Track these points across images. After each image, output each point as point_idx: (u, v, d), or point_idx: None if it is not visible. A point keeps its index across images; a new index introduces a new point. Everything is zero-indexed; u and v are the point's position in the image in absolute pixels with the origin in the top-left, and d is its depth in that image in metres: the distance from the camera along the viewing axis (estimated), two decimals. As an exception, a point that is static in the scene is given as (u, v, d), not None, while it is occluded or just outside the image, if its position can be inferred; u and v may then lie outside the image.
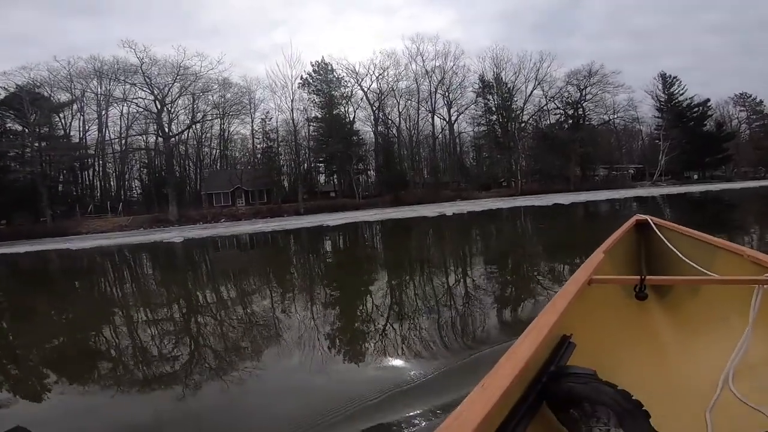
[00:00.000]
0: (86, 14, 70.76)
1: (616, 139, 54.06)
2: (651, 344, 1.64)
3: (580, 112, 49.81)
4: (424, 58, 47.34)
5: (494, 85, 49.34)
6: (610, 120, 51.32)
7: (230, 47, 78.58)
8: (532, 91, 49.27)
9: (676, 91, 51.95)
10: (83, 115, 41.37)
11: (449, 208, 26.00)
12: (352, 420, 2.13)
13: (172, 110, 41.42)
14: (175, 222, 35.55)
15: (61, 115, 40.62)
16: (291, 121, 42.21)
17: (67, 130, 40.96)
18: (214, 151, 48.46)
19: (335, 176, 46.81)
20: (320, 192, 45.30)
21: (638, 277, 1.50)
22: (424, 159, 49.48)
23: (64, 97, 39.67)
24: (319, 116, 45.71)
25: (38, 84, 37.30)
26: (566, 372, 0.97)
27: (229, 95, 42.67)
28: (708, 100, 51.71)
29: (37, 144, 36.80)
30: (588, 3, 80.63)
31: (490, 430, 0.77)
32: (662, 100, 52.41)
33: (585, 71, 47.91)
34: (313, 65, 46.72)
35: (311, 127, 46.14)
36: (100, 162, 42.98)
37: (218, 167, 47.64)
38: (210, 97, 41.60)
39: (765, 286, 1.28)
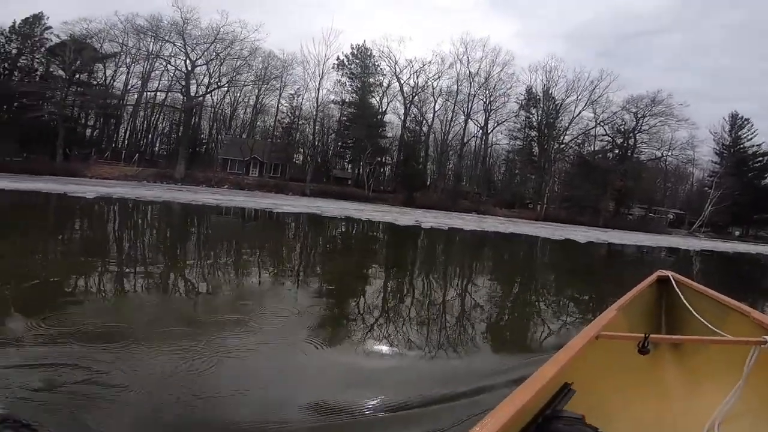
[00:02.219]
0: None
1: (662, 179, 49.74)
2: (648, 395, 1.71)
3: (631, 143, 45.67)
4: (469, 59, 44.79)
5: (541, 99, 46.14)
6: (662, 156, 46.76)
7: (283, 25, 77.07)
8: (580, 112, 45.71)
9: (744, 135, 47.15)
10: (127, 67, 41.52)
11: (445, 219, 23.23)
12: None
13: (203, 73, 40.55)
14: (179, 180, 34.48)
15: (104, 66, 41.03)
16: (316, 99, 40.31)
17: (109, 81, 41.39)
18: (246, 120, 47.68)
19: (350, 165, 44.84)
20: (335, 178, 43.41)
21: (642, 335, 1.55)
22: (450, 164, 46.78)
23: (110, 48, 40.08)
24: (349, 100, 44.06)
25: (91, 35, 38.05)
26: (558, 415, 1.07)
27: (259, 64, 41.29)
28: None
29: (68, 87, 37.08)
30: (666, 35, 75.24)
31: None
32: (725, 143, 47.65)
33: (648, 98, 43.49)
34: (352, 48, 45.34)
35: (339, 111, 44.57)
36: (128, 114, 42.61)
37: (244, 136, 46.52)
38: (234, 62, 40.38)
39: (762, 346, 1.41)
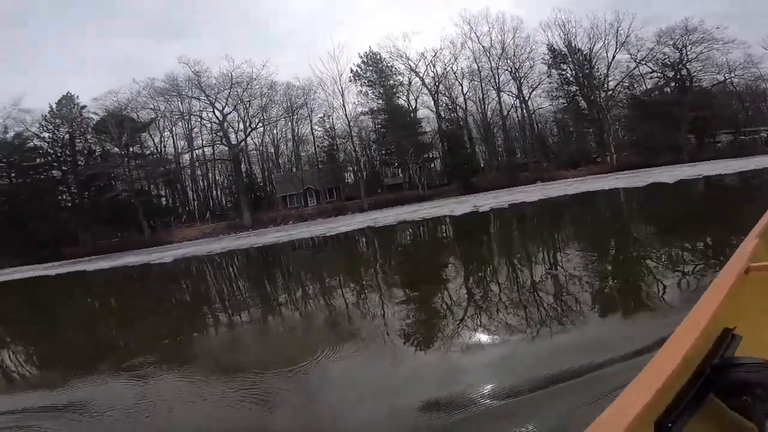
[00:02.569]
0: (167, 38, 77.08)
1: (738, 100, 43.90)
2: None
3: (684, 74, 41.39)
4: (478, 35, 43.07)
5: (567, 54, 43.29)
6: (726, 80, 41.72)
7: (295, 54, 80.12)
8: (614, 56, 42.34)
9: None
10: (169, 131, 44.51)
11: (506, 197, 21.67)
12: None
13: (236, 119, 42.80)
14: (248, 227, 36.58)
15: (149, 134, 44.01)
16: (344, 116, 40.95)
17: (159, 148, 44.44)
18: (290, 153, 49.00)
19: (399, 169, 44.77)
20: (388, 186, 43.59)
21: None
22: (497, 141, 45.09)
23: (146, 115, 42.56)
24: (376, 108, 44.07)
25: (122, 106, 40.73)
26: (733, 363, 0.91)
27: (282, 97, 42.89)
28: None
29: (128, 162, 40.26)
30: None
31: (651, 419, 0.76)
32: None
33: (680, 29, 39.79)
34: (361, 56, 45.32)
35: (372, 120, 44.93)
36: (187, 175, 45.83)
37: (293, 170, 48.57)
38: (259, 101, 41.73)
39: None
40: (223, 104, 41.38)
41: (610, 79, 43.20)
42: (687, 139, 39.12)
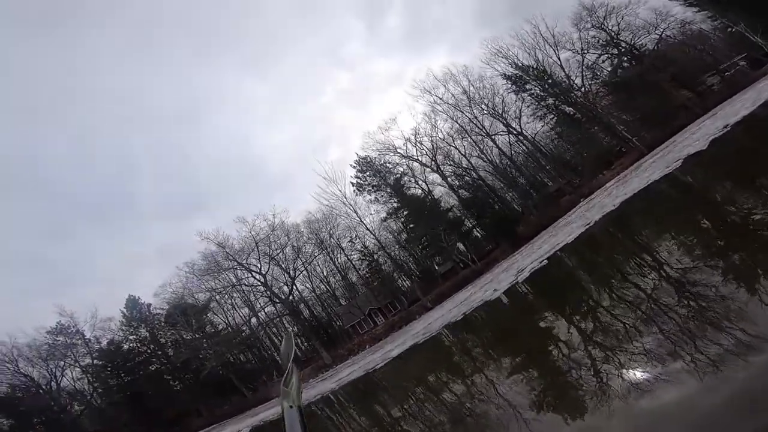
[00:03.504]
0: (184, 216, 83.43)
1: (691, 47, 45.20)
2: None
3: (625, 46, 43.49)
4: (439, 95, 45.95)
5: (521, 74, 45.66)
6: (662, 36, 43.85)
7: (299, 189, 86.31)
8: (559, 56, 44.78)
9: None
10: (231, 303, 46.13)
11: (563, 232, 20.18)
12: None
13: (278, 273, 43.81)
14: (331, 364, 35.01)
15: (210, 312, 45.93)
16: (367, 230, 41.77)
17: (228, 320, 46.31)
18: (340, 284, 49.05)
19: (442, 256, 43.68)
20: (441, 275, 41.92)
21: None
22: (520, 182, 45.15)
23: (201, 296, 44.48)
24: (392, 209, 44.65)
25: (180, 296, 43.00)
26: None
27: (309, 235, 44.52)
28: None
29: (206, 341, 41.92)
30: None
31: None
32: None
33: (583, 11, 43.09)
34: (353, 166, 46.49)
35: (396, 221, 45.33)
36: (260, 335, 45.55)
37: (351, 298, 47.75)
38: (288, 247, 43.30)
39: None
40: (259, 265, 42.66)
41: (572, 77, 44.88)
42: (683, 94, 38.91)
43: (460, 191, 43.73)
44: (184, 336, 43.23)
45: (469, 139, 44.76)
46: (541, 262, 15.08)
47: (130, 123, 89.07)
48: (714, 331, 3.53)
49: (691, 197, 10.08)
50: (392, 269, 42.49)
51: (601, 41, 44.32)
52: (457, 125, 44.94)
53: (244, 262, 41.92)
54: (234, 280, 42.54)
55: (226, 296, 44.68)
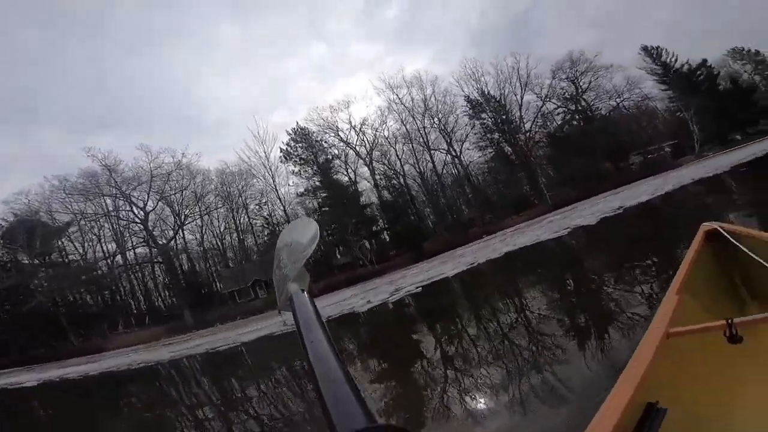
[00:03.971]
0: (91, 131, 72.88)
1: (635, 122, 49.32)
2: (756, 400, 1.34)
3: (584, 105, 45.93)
4: (399, 95, 45.36)
5: (483, 102, 46.37)
6: (618, 104, 47.05)
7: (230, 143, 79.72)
8: (523, 97, 45.93)
9: (667, 59, 47.90)
10: (96, 234, 39.95)
11: (439, 268, 20.31)
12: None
13: (166, 214, 39.58)
14: (190, 328, 32.25)
15: (69, 238, 39.46)
16: (279, 200, 39.36)
17: (82, 252, 39.50)
18: (235, 246, 46.01)
19: (344, 248, 42.94)
20: (339, 266, 41.08)
21: (723, 321, 1.23)
22: (441, 201, 45.45)
23: (62, 217, 38.27)
24: (312, 187, 43.29)
25: (35, 210, 36.57)
26: None
27: (217, 187, 40.93)
28: (705, 60, 47.40)
29: (44, 271, 35.73)
30: (540, 7, 78.21)
31: None
32: (659, 72, 48.27)
33: (567, 61, 44.82)
34: (290, 134, 45.16)
35: (316, 200, 43.72)
36: (118, 277, 40.72)
37: (242, 263, 45.04)
38: (187, 193, 39.48)
39: None
40: (145, 200, 38.23)
41: (525, 120, 46.22)
42: (605, 166, 42.05)
43: (383, 192, 43.38)
44: (20, 258, 36.71)
45: (410, 145, 44.47)
46: (416, 288, 14.73)
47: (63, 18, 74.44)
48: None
49: (560, 263, 10.75)
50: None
51: (566, 94, 46.25)
52: (405, 129, 44.62)
53: (129, 192, 37.01)
54: (109, 209, 37.33)
55: (94, 225, 39.22)
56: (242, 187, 41.85)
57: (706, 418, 1.18)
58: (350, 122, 45.06)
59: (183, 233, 41.07)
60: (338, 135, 44.38)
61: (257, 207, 41.97)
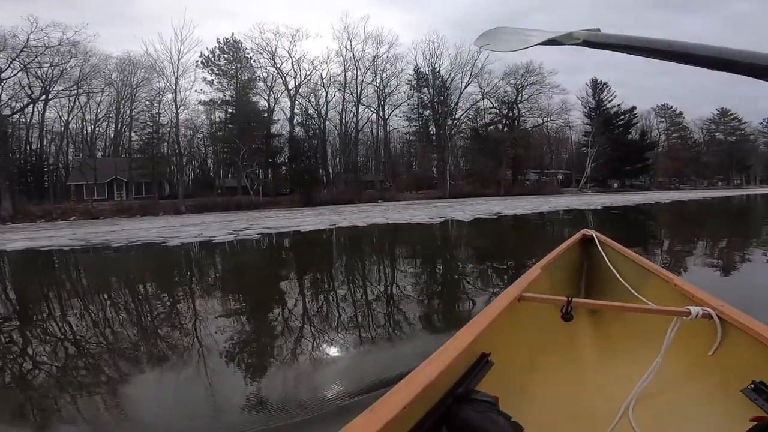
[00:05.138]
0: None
1: (547, 143, 53.13)
2: (568, 368, 1.63)
3: (515, 113, 47.70)
4: (353, 42, 42.57)
5: (430, 78, 45.56)
6: (543, 123, 49.89)
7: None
8: (467, 86, 46.10)
9: (605, 97, 52.25)
10: None
11: (328, 217, 19.60)
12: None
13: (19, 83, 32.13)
14: (6, 219, 27.06)
15: None
16: (174, 102, 34.66)
17: None
18: (108, 137, 40.04)
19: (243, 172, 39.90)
20: (227, 188, 38.18)
21: (565, 298, 1.48)
22: (351, 155, 44.31)
23: None
24: (220, 100, 39.31)
25: None
26: (470, 397, 0.94)
27: (82, 65, 34.11)
28: (634, 107, 52.75)
29: None
30: (533, 16, 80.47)
31: None
32: (591, 106, 52.38)
33: (523, 68, 45.56)
34: (219, 42, 40.29)
35: (224, 114, 39.80)
36: None
37: (107, 155, 39.10)
38: (53, 67, 32.35)
39: (684, 317, 1.31)
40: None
41: (459, 108, 46.52)
42: (505, 174, 44.83)
43: (297, 127, 40.87)
44: None
45: (342, 93, 42.12)
46: (257, 234, 13.66)
47: None
48: None
49: (407, 245, 11.14)
50: (175, 153, 36.03)
51: (505, 98, 46.80)
52: (343, 77, 41.96)
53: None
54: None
55: None
56: (139, 81, 35.89)
57: (524, 377, 1.32)
58: (289, 52, 41.33)
59: (41, 110, 34.12)
60: (273, 60, 40.70)
61: (148, 104, 36.35)
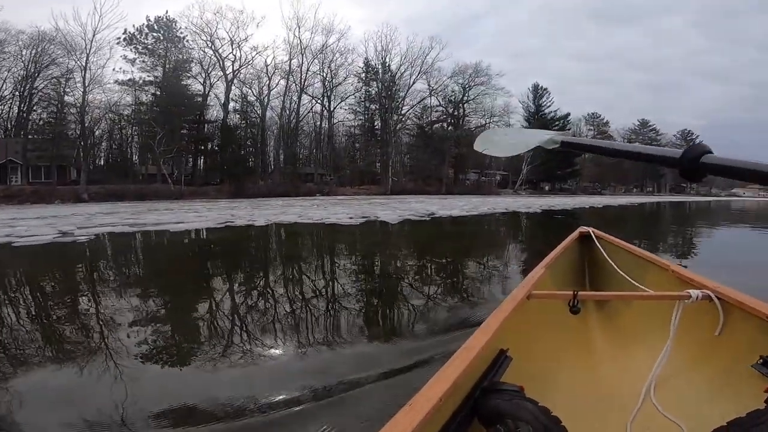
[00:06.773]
0: None
1: None
2: (583, 357, 1.69)
3: (461, 112, 48.32)
4: (300, 27, 40.56)
5: (379, 71, 44.65)
6: (486, 124, 50.93)
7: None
8: (415, 81, 45.79)
9: (544, 103, 54.68)
10: None
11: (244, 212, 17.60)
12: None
13: None
14: None
15: None
16: (83, 80, 30.80)
17: None
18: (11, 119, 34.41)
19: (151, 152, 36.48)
20: (148, 175, 34.56)
21: (571, 292, 1.52)
22: (291, 146, 42.25)
23: None
24: (142, 80, 35.77)
25: None
26: (496, 388, 1.00)
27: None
28: (569, 114, 55.80)
29: None
30: (483, 21, 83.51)
31: None
32: (531, 111, 54.57)
33: (471, 68, 46.19)
34: (149, 19, 36.58)
35: (151, 97, 36.23)
36: None
37: (11, 136, 33.71)
38: None
39: (685, 301, 1.37)
40: None
41: (405, 104, 46.34)
42: (448, 172, 45.31)
43: (231, 114, 38.23)
44: None
45: (286, 82, 39.92)
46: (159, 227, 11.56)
47: None
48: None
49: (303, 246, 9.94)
50: (87, 136, 31.84)
51: (453, 97, 47.24)
52: (289, 65, 39.69)
53: None
54: None
55: None
56: (40, 56, 31.41)
57: (543, 369, 1.39)
58: (230, 34, 38.46)
59: None
60: (212, 42, 37.76)
61: (55, 81, 31.83)
